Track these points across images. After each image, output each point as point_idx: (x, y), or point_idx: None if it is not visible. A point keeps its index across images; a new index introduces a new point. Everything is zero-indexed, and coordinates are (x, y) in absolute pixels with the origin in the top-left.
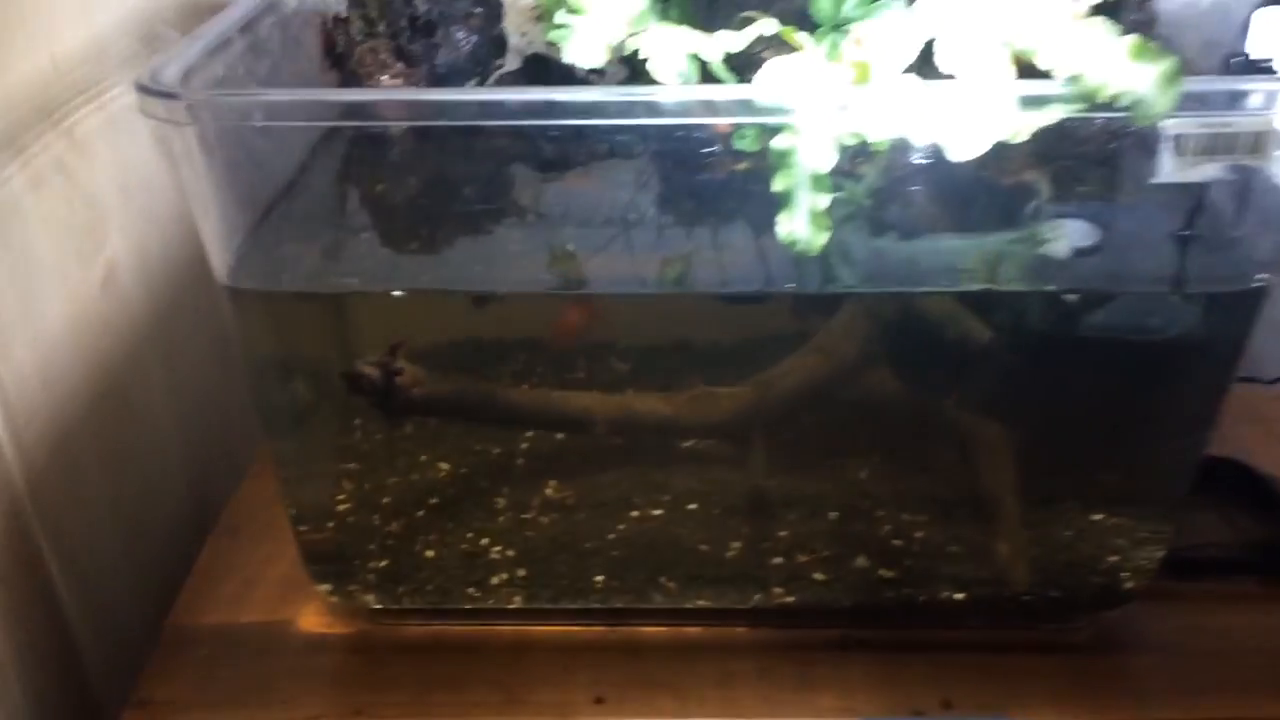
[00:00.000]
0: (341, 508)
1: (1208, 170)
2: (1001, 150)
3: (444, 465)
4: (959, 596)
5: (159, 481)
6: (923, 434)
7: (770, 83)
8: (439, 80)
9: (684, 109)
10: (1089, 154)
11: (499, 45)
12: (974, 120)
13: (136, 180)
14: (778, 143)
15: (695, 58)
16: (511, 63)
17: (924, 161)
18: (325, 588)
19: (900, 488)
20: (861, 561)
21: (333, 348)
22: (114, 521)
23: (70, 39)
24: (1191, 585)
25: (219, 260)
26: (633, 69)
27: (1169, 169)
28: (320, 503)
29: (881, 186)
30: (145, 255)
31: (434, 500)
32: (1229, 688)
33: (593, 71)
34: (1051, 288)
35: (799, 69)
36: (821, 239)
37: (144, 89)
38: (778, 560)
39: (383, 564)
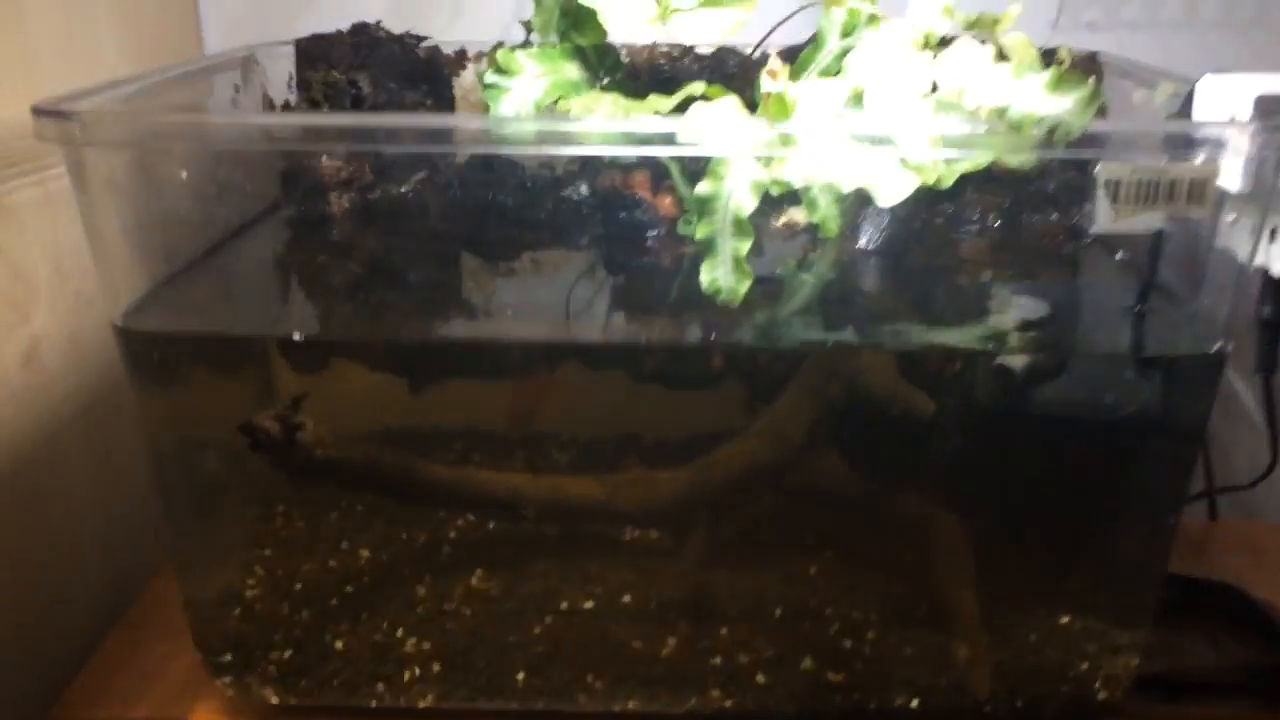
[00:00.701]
0: (245, 591)
1: (1145, 220)
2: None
3: (364, 552)
4: (914, 704)
5: (71, 571)
6: (874, 525)
7: (693, 123)
8: (383, 167)
9: (606, 139)
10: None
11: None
12: (899, 163)
13: (73, 264)
14: (700, 190)
15: None
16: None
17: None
18: (224, 680)
19: (850, 583)
20: (808, 663)
21: (233, 405)
22: (17, 610)
23: (9, 108)
24: (1178, 710)
25: (115, 299)
26: (584, 165)
27: (1104, 218)
28: (219, 584)
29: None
30: (76, 339)
31: (349, 588)
32: None
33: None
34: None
35: (721, 113)
36: (743, 287)
37: (38, 110)
38: (717, 660)
39: (286, 655)
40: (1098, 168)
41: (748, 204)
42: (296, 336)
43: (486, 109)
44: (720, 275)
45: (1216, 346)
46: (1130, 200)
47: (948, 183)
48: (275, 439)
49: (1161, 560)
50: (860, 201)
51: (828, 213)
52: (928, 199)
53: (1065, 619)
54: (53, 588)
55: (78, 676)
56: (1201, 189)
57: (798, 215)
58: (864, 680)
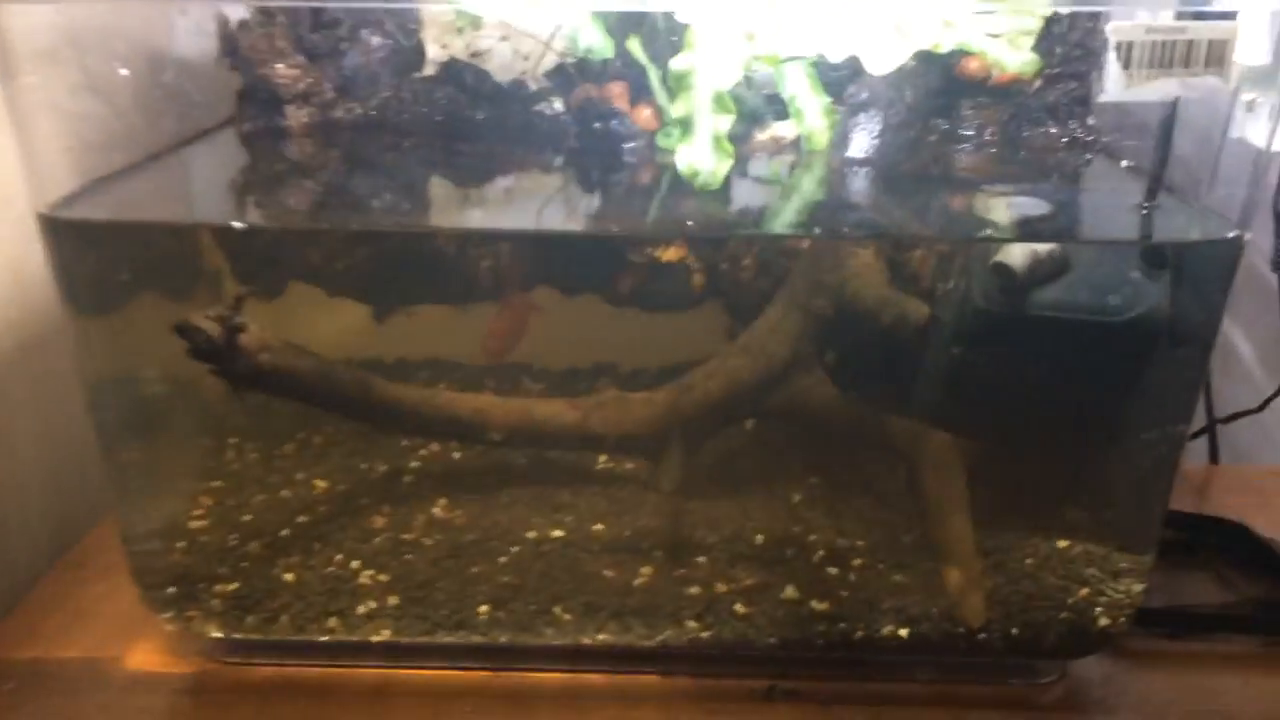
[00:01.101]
0: (190, 521)
1: (1160, 87)
2: None
3: (320, 482)
4: (903, 634)
5: (11, 510)
6: (862, 446)
7: None
8: (345, 83)
9: None
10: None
11: (416, 54)
12: (893, 28)
13: (16, 188)
14: (675, 63)
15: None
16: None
17: None
18: (164, 615)
19: (836, 508)
20: (790, 592)
21: (168, 304)
22: None
23: None
24: (1183, 645)
25: (42, 186)
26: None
27: (1116, 85)
28: (162, 513)
29: None
30: (18, 268)
31: (302, 518)
32: None
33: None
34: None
35: None
36: (725, 167)
37: None
38: (693, 590)
39: (231, 588)
40: (1108, 28)
41: (727, 76)
42: (236, 224)
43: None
44: (698, 155)
45: (1233, 234)
46: (1144, 64)
47: (944, 48)
48: (215, 342)
49: (1169, 475)
50: (850, 110)
51: (816, 124)
52: (922, 110)
53: (1064, 542)
54: None
55: (7, 620)
56: (1221, 52)
57: (783, 129)
58: (850, 609)
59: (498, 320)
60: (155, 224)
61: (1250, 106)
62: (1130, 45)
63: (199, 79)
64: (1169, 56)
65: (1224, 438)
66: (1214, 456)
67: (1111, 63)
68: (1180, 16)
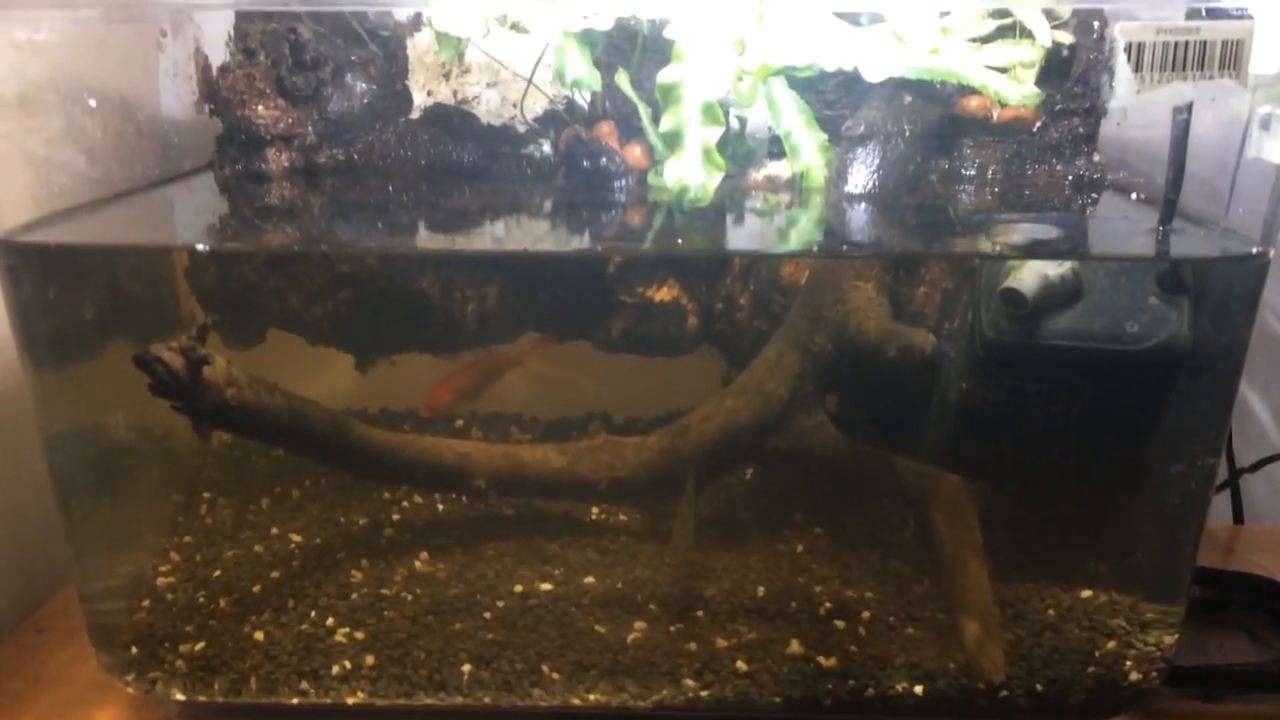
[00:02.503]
0: (156, 579)
1: (1173, 91)
2: None
3: (296, 537)
4: (918, 690)
5: None
6: (869, 491)
7: None
8: (330, 127)
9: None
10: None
11: (403, 99)
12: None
13: None
14: (663, 76)
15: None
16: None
17: None
18: (125, 678)
19: (843, 558)
20: (795, 648)
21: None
22: None
23: None
24: (1219, 706)
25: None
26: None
27: (1126, 88)
28: (124, 570)
29: None
30: None
31: (275, 573)
32: None
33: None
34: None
35: None
36: (714, 181)
37: None
38: (692, 646)
39: (198, 648)
40: (1117, 29)
41: (716, 87)
42: (201, 247)
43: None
44: (687, 169)
45: (1256, 250)
46: (1155, 66)
47: (941, 54)
48: (177, 375)
49: (1200, 514)
50: (848, 146)
51: (812, 161)
52: (922, 147)
53: (1088, 591)
54: None
55: None
56: (1236, 53)
57: (778, 169)
58: (859, 665)
59: (457, 375)
60: (109, 247)
61: (1267, 123)
62: (1141, 46)
63: (177, 123)
64: (1182, 58)
65: (1245, 498)
66: (1238, 516)
67: (1122, 65)
68: (1191, 16)
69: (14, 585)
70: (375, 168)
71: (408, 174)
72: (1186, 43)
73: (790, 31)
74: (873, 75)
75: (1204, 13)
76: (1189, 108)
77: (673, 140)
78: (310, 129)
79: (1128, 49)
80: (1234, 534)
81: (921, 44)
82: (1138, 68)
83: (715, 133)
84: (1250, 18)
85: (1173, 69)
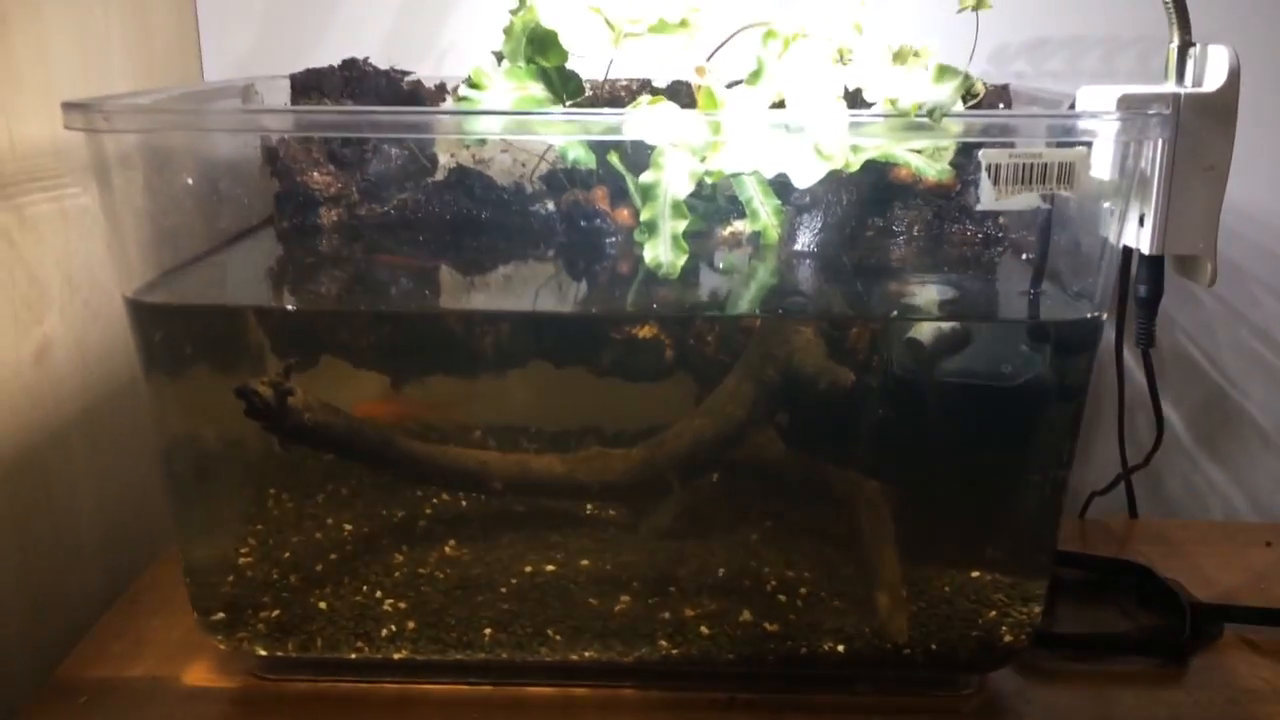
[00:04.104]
0: (239, 558)
1: (1023, 199)
2: None
3: (348, 526)
4: (840, 649)
5: (71, 555)
6: (806, 492)
7: (637, 115)
8: (370, 187)
9: (566, 128)
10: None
11: (429, 161)
12: (813, 151)
13: (84, 276)
14: (644, 178)
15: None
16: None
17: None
18: (216, 637)
19: (786, 544)
20: (747, 616)
21: (232, 377)
22: (19, 588)
23: (32, 127)
24: (1086, 665)
25: (129, 276)
26: (549, 184)
27: (987, 196)
28: (215, 552)
29: None
30: (83, 344)
31: (332, 556)
32: None
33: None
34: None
35: (661, 109)
36: (680, 261)
37: (67, 103)
38: (665, 615)
39: (274, 614)
40: (979, 154)
41: (684, 189)
42: (290, 306)
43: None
44: (661, 252)
45: (1093, 314)
46: (1009, 180)
47: (854, 168)
48: (268, 403)
49: (1056, 512)
50: (796, 211)
51: (768, 222)
52: (858, 210)
53: (975, 571)
54: (54, 569)
55: (78, 644)
56: (1070, 171)
57: (742, 226)
58: (796, 629)
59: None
60: (222, 307)
61: (1110, 212)
62: (998, 166)
63: (245, 183)
64: (1029, 175)
65: (1154, 491)
66: (1132, 510)
67: (984, 180)
68: (1048, 144)
69: (109, 563)
70: (408, 221)
71: (435, 226)
72: (1032, 164)
73: (740, 146)
74: (801, 183)
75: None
76: (1050, 211)
77: (650, 228)
78: (354, 189)
79: (988, 168)
80: (1128, 527)
81: (837, 156)
82: (995, 181)
83: (682, 224)
84: (1086, 143)
85: (1022, 183)
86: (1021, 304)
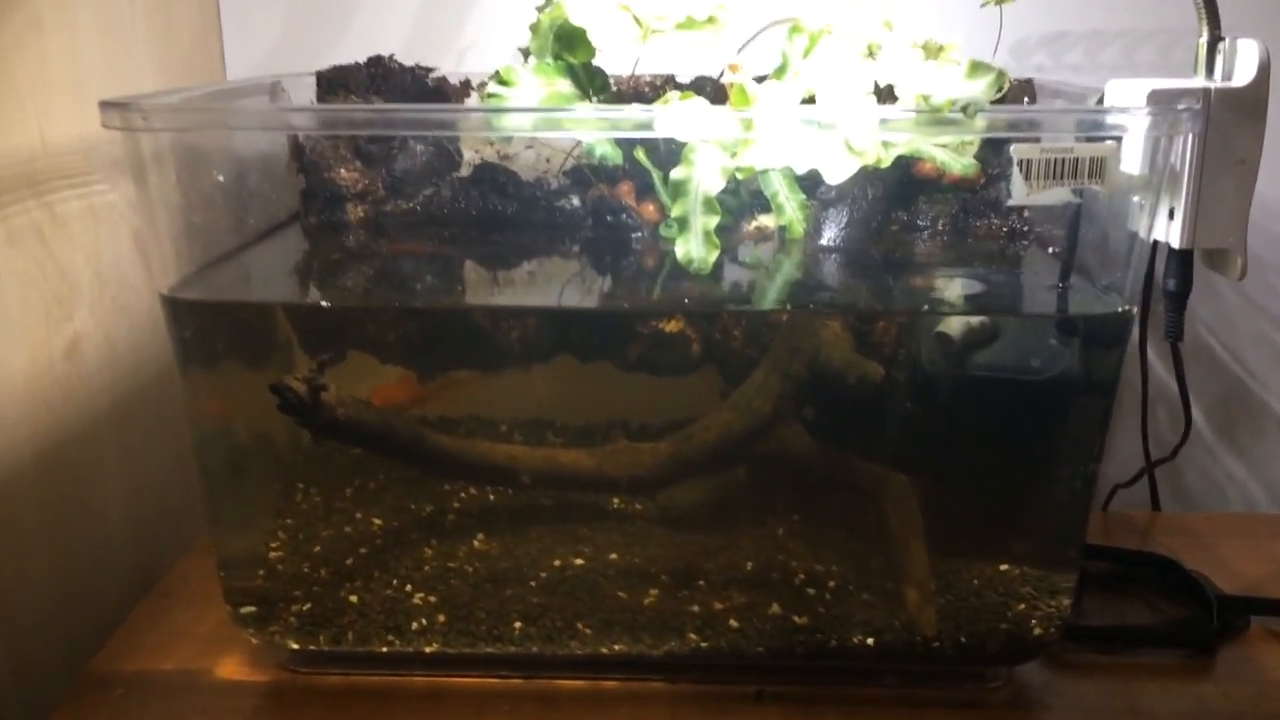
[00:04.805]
0: (270, 553)
1: (1054, 194)
2: None
3: (377, 520)
4: (870, 642)
5: (101, 549)
6: (834, 486)
7: (668, 111)
8: (395, 183)
9: (597, 125)
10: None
11: (455, 157)
12: (844, 146)
13: (112, 272)
14: (675, 174)
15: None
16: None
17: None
18: (248, 631)
19: (813, 538)
20: (775, 609)
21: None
22: (50, 580)
23: (63, 126)
24: (1114, 658)
25: (164, 273)
26: (575, 179)
27: (1019, 192)
28: (247, 546)
29: None
30: (112, 340)
31: (363, 550)
32: None
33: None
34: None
35: (692, 105)
36: (712, 256)
37: (105, 103)
38: (694, 608)
39: (305, 608)
40: (1011, 149)
41: (715, 185)
42: (324, 302)
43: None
44: (693, 247)
45: (1124, 308)
46: (1040, 176)
47: (886, 164)
48: (302, 399)
49: (1086, 504)
50: (822, 205)
51: (793, 216)
52: (884, 204)
53: (1004, 565)
54: (85, 562)
55: (111, 638)
56: (1101, 165)
57: (767, 221)
58: (825, 622)
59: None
60: (254, 303)
61: (1140, 206)
62: (1030, 161)
63: (272, 179)
64: (1060, 170)
65: (1175, 484)
66: (1155, 503)
67: (1016, 175)
68: (1077, 139)
69: (139, 556)
70: (434, 217)
71: (460, 222)
72: (1063, 159)
73: (770, 142)
74: (833, 179)
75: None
76: (1079, 205)
77: (682, 224)
78: (380, 185)
79: (1020, 164)
80: (1151, 520)
81: (868, 151)
82: (1027, 176)
83: (714, 220)
84: (1117, 138)
85: (1054, 178)
86: (1050, 298)
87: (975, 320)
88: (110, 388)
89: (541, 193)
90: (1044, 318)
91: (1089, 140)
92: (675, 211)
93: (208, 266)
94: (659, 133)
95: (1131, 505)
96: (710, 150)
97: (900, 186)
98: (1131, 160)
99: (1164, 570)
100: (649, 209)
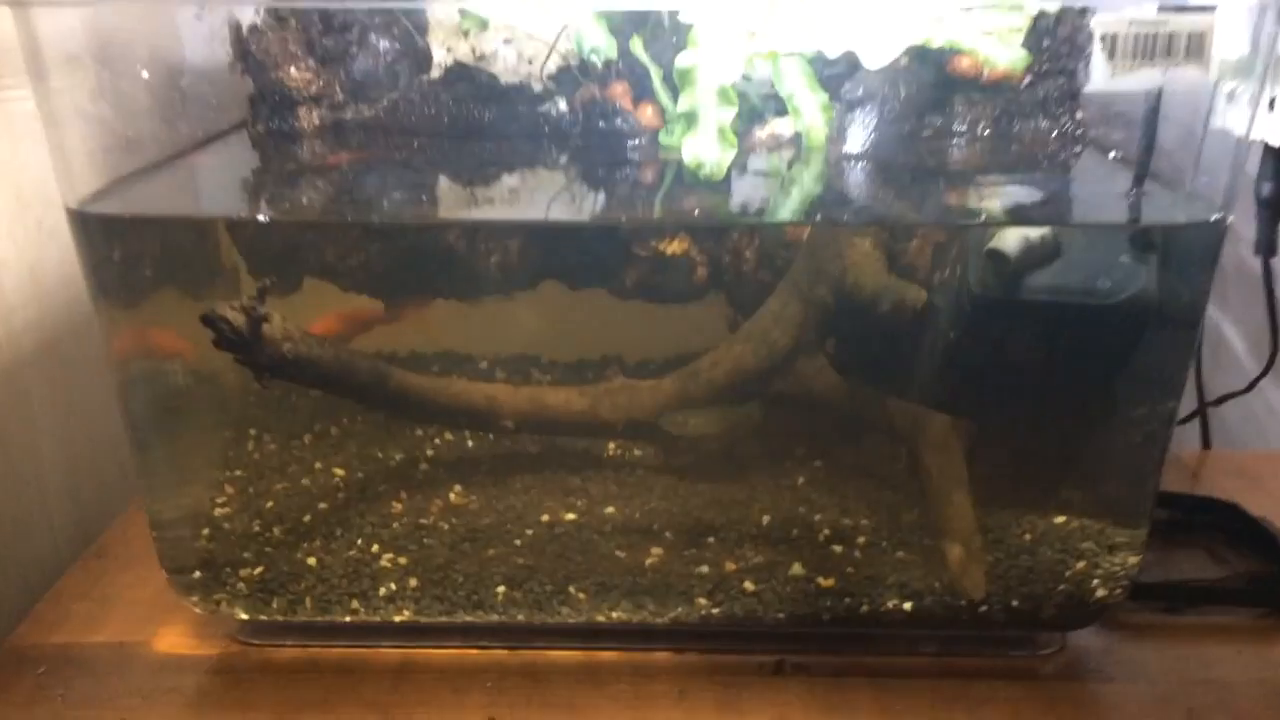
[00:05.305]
0: (214, 509)
1: (1143, 76)
2: None
3: (339, 471)
4: (907, 608)
5: (33, 505)
6: (863, 428)
7: None
8: (355, 85)
9: None
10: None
11: (423, 57)
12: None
13: (34, 192)
14: (681, 60)
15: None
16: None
17: None
18: (191, 599)
19: (839, 488)
20: (797, 570)
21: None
22: None
23: None
24: (1177, 618)
25: (72, 183)
26: (561, 82)
27: (1101, 74)
28: (187, 502)
29: None
30: (37, 271)
31: (322, 505)
32: (1217, 717)
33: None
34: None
35: None
36: (728, 157)
37: None
38: (703, 569)
39: (256, 572)
40: (1094, 20)
41: (730, 70)
42: (261, 216)
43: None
44: (703, 148)
45: (1216, 217)
46: (1127, 54)
47: (936, 43)
48: (240, 332)
49: (1161, 450)
50: (847, 106)
51: (814, 120)
52: (916, 106)
53: (1061, 517)
54: (11, 520)
55: (36, 606)
56: (1200, 43)
57: (781, 126)
58: (855, 585)
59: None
60: (179, 218)
61: (1231, 96)
62: (1114, 37)
63: (214, 84)
64: (1150, 48)
65: (1214, 423)
66: (1206, 441)
67: (1097, 53)
68: (1163, 10)
69: (72, 514)
70: (400, 125)
71: (431, 130)
72: (1155, 34)
73: (797, 20)
74: (873, 64)
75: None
76: (1159, 92)
77: (689, 120)
78: (338, 88)
79: (1103, 39)
80: (1201, 459)
81: (915, 29)
82: (1111, 55)
83: (729, 114)
84: (1213, 9)
85: (1142, 57)
86: (1122, 207)
87: (1035, 234)
88: (37, 324)
89: (523, 97)
90: (1119, 229)
91: (1181, 12)
92: (682, 105)
93: (131, 177)
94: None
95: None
96: (723, 30)
97: (934, 88)
98: (1230, 39)
99: (1226, 516)
100: (646, 113)
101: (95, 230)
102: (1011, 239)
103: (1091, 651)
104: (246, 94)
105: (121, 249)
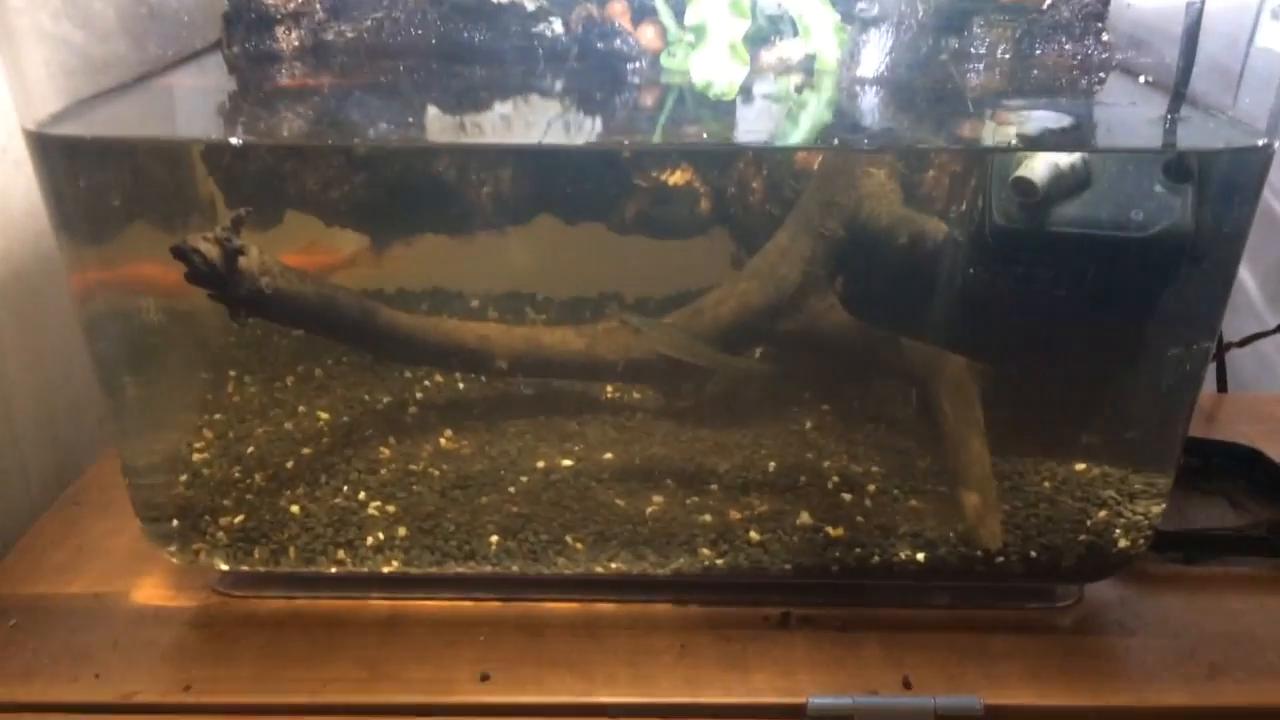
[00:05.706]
0: (192, 455)
1: None
2: None
3: (323, 415)
4: (920, 558)
5: (6, 449)
6: (875, 370)
7: None
8: (337, 6)
9: None
10: None
11: None
12: None
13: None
14: None
15: None
16: None
17: None
18: (169, 549)
19: (849, 433)
20: (805, 519)
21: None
22: None
23: None
24: (1199, 568)
25: (30, 103)
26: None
27: None
28: (163, 447)
29: None
30: (7, 199)
31: (306, 450)
32: (1240, 672)
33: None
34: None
35: None
36: (740, 75)
37: None
38: (706, 518)
39: (237, 520)
40: None
41: None
42: (233, 140)
43: None
44: (713, 65)
45: (1262, 142)
46: None
47: None
48: (214, 265)
49: (1193, 395)
50: (860, 28)
51: (825, 41)
52: (933, 28)
53: (1082, 465)
54: None
55: (7, 555)
56: None
57: (790, 49)
58: (865, 535)
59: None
60: (146, 139)
61: (1276, 14)
62: None
63: (187, 2)
64: None
65: (1229, 368)
66: (1222, 385)
67: None
68: None
69: (47, 460)
70: (385, 46)
71: (418, 53)
72: None
73: None
74: None
75: None
76: (1200, 8)
77: (698, 35)
78: (318, 6)
79: None
80: (1218, 403)
81: None
82: None
83: (741, 26)
84: None
85: None
86: (1155, 132)
87: (1063, 161)
88: (5, 256)
89: (516, 16)
90: (1154, 155)
91: None
92: (690, 18)
93: (95, 99)
94: None
95: None
96: None
97: (952, 7)
98: None
99: (1247, 462)
100: (647, 34)
101: (56, 155)
102: (1038, 166)
103: (1110, 604)
104: (221, 11)
105: (86, 176)
